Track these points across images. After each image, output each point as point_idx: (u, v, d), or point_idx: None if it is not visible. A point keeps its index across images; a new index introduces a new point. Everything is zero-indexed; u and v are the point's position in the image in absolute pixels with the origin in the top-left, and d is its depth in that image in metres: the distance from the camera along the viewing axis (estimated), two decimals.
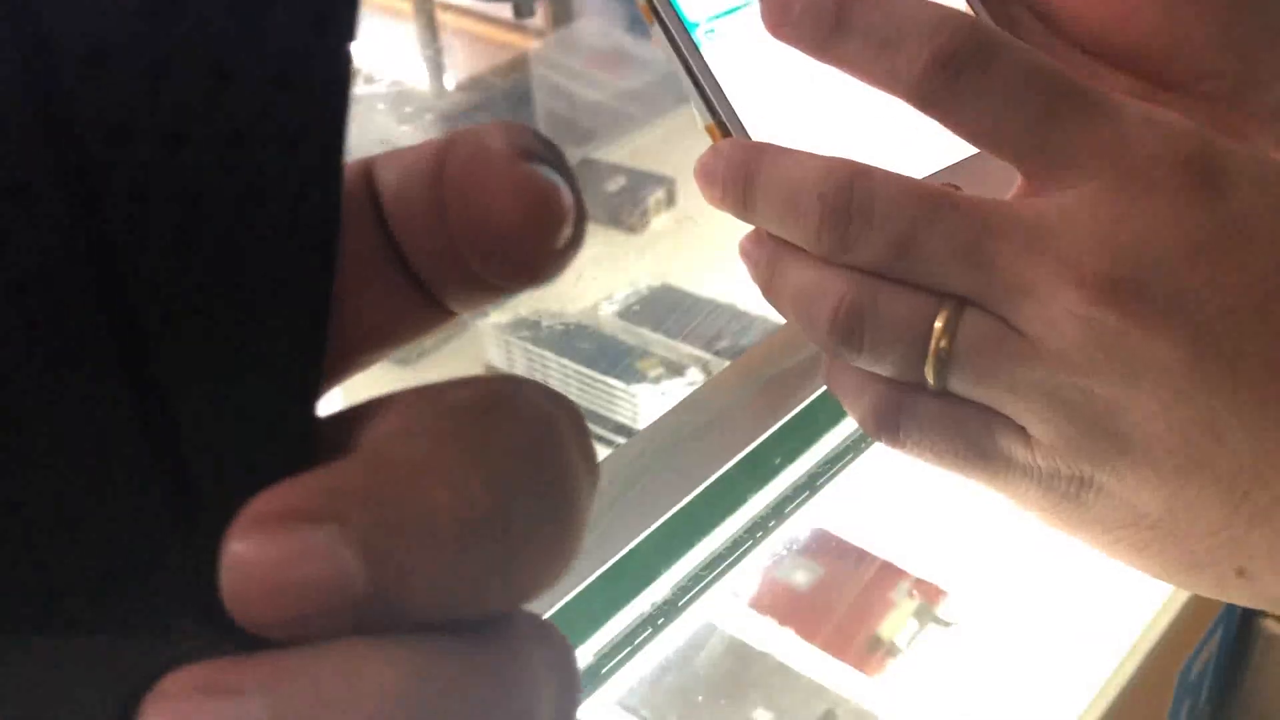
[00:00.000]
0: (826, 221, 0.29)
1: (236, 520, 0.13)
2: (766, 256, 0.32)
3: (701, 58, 0.36)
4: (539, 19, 1.44)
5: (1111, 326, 0.27)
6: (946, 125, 0.30)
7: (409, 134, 1.27)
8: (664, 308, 0.98)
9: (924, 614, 0.79)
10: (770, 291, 0.32)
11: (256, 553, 0.12)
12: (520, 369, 0.89)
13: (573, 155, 1.17)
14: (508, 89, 1.32)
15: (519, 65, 1.36)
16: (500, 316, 0.92)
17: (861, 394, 0.31)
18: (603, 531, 0.33)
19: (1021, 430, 0.29)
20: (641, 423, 0.85)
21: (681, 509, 0.34)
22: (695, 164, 0.34)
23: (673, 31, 0.36)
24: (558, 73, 1.34)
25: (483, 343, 0.91)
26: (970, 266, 0.28)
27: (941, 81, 0.29)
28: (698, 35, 0.36)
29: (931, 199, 0.29)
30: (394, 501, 0.13)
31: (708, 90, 0.36)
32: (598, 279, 1.04)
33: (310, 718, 0.12)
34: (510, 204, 0.15)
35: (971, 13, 0.37)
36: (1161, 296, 0.27)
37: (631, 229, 1.09)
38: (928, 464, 0.31)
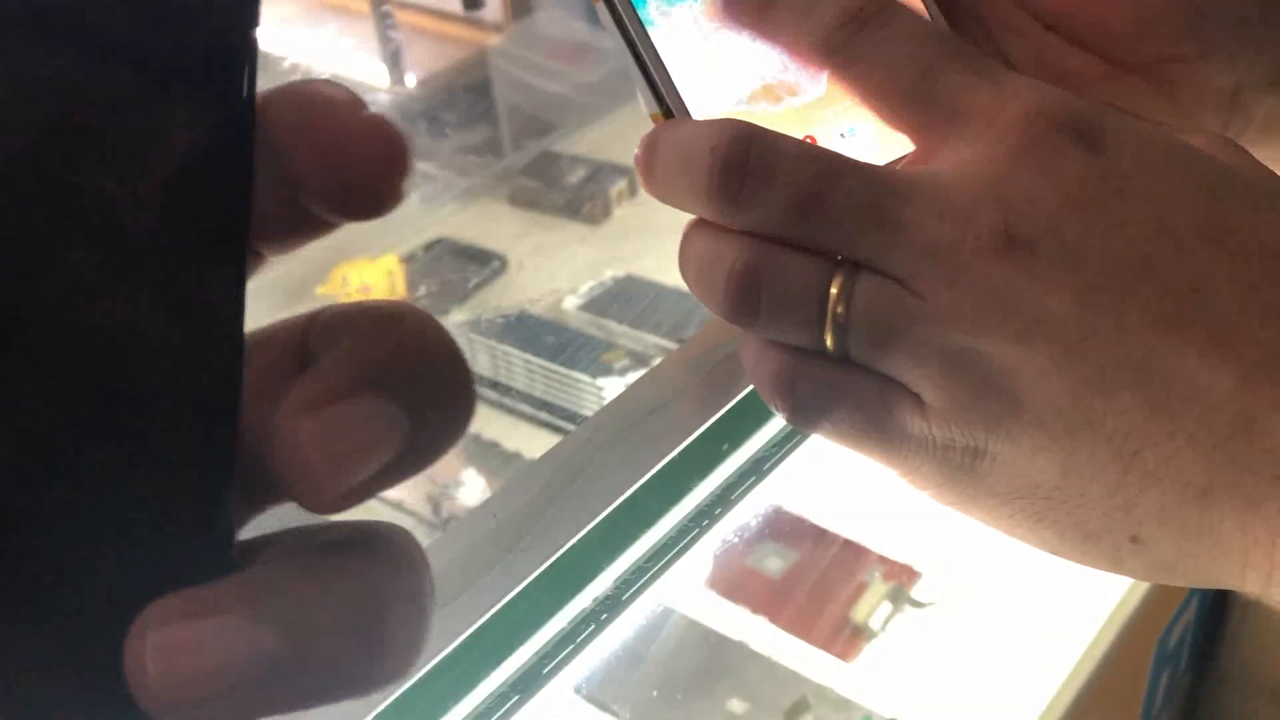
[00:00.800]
0: (717, 177, 0.29)
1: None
2: (683, 237, 0.32)
3: (650, 41, 0.35)
4: (497, 13, 1.44)
5: (1004, 281, 0.27)
6: (846, 82, 0.31)
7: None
8: (628, 298, 0.97)
9: (898, 595, 0.78)
10: (680, 267, 0.32)
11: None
12: (484, 367, 0.89)
13: (532, 148, 1.16)
14: (468, 84, 1.31)
15: (478, 60, 1.35)
16: (461, 314, 0.91)
17: (761, 362, 0.31)
18: (549, 522, 0.33)
19: (917, 399, 0.29)
20: None
21: (626, 499, 0.34)
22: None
23: (620, 12, 0.35)
24: (517, 66, 1.33)
25: None
26: (870, 227, 0.28)
27: (845, 35, 0.30)
28: (647, 14, 0.35)
29: (831, 159, 0.29)
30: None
31: (655, 76, 0.35)
32: (561, 272, 1.04)
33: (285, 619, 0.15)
34: (367, 145, 0.16)
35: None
36: (1049, 251, 0.27)
37: (594, 220, 1.09)
38: (826, 438, 0.31)
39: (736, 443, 0.36)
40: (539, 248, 1.08)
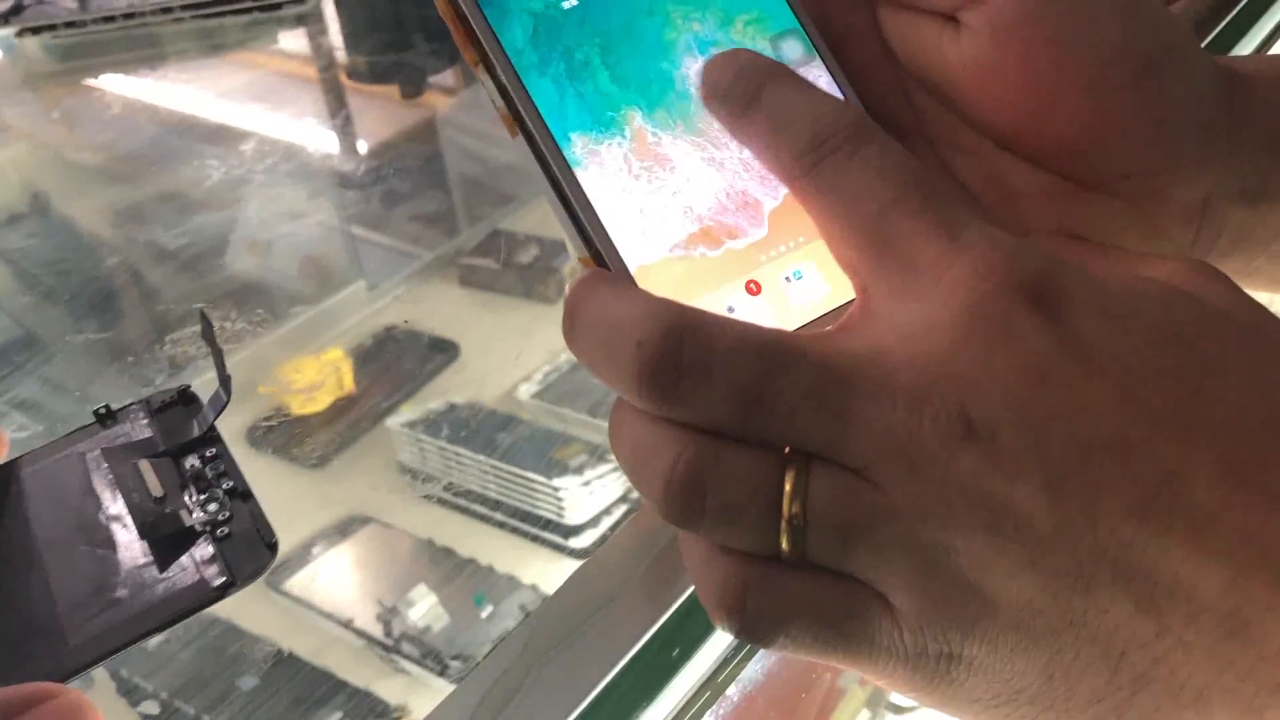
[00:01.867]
0: (644, 376, 0.27)
1: None
2: (612, 416, 0.29)
3: (576, 183, 0.32)
4: (448, 76, 1.41)
5: (968, 470, 0.25)
6: (807, 208, 0.30)
7: (319, 205, 1.23)
8: (585, 382, 0.94)
9: (877, 701, 0.75)
10: (613, 448, 0.29)
11: None
12: (436, 468, 0.85)
13: (483, 226, 1.13)
14: (418, 153, 1.28)
15: (428, 128, 1.32)
16: (411, 412, 0.88)
17: (707, 570, 0.28)
18: None
19: (884, 603, 0.26)
20: (568, 517, 0.81)
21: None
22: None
23: (543, 150, 0.32)
24: (468, 135, 1.30)
25: (393, 442, 0.86)
26: (821, 418, 0.26)
27: (812, 160, 0.29)
28: (572, 153, 0.32)
29: (773, 349, 0.27)
30: None
31: (583, 220, 0.32)
32: (516, 358, 1.00)
33: None
34: None
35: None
36: (1010, 436, 0.25)
37: (548, 299, 1.05)
38: (783, 651, 0.28)
39: (689, 649, 0.33)
40: (492, 331, 1.04)
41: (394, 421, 0.86)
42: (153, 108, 1.26)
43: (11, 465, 0.32)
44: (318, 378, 0.92)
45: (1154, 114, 0.32)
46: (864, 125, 0.29)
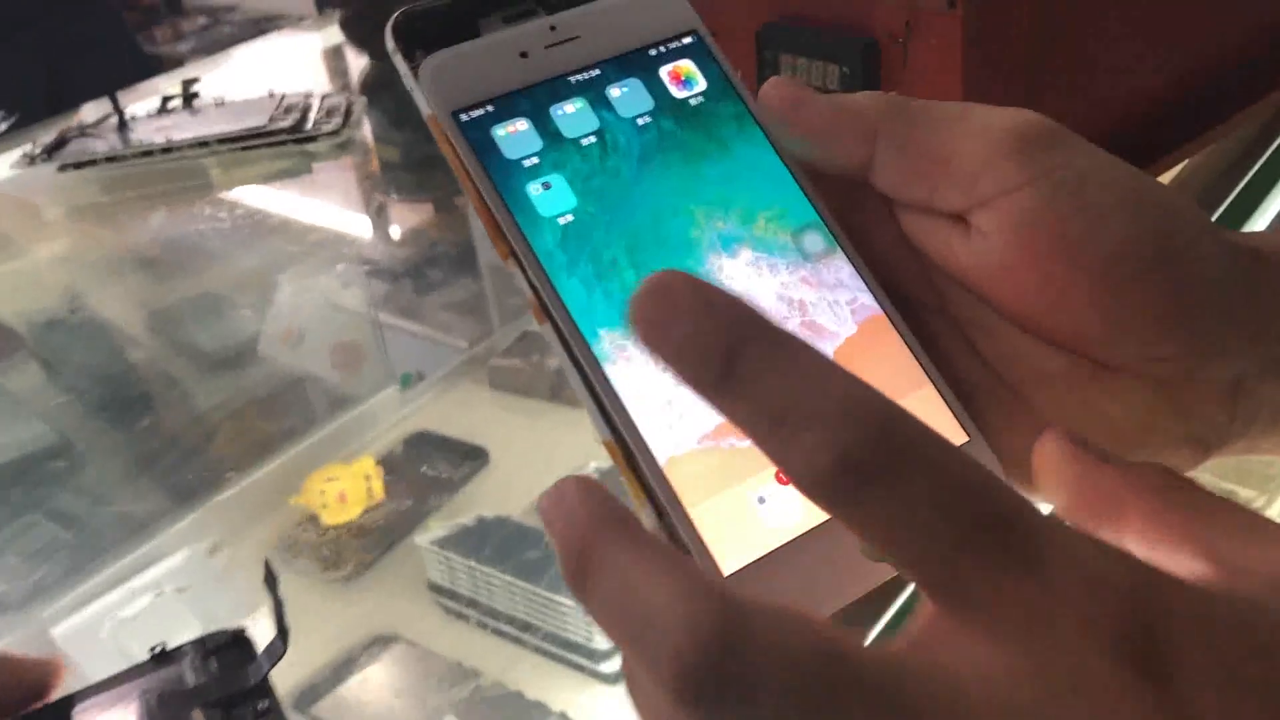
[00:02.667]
0: (678, 683, 0.23)
1: None
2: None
3: (603, 374, 0.32)
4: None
5: None
6: (849, 528, 0.25)
7: (353, 296, 1.24)
8: (614, 490, 0.94)
9: None
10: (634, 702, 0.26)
11: None
12: (464, 585, 0.85)
13: (515, 327, 1.14)
14: (451, 242, 1.29)
15: (461, 218, 1.33)
16: (440, 528, 0.88)
17: None
18: None
19: None
20: (597, 641, 0.81)
21: None
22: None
23: (570, 344, 0.32)
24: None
25: (422, 560, 0.87)
26: None
27: (845, 488, 0.24)
28: (601, 348, 0.32)
29: (831, 664, 0.23)
30: None
31: (609, 409, 0.32)
32: (544, 463, 1.01)
33: None
34: None
35: (863, 274, 0.34)
36: None
37: (577, 403, 1.06)
38: None
39: None
40: (521, 436, 1.05)
41: (423, 539, 0.87)
42: (188, 223, 1.27)
43: (65, 703, 0.33)
44: (348, 487, 0.93)
45: (1170, 303, 0.31)
46: (899, 435, 0.24)
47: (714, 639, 0.23)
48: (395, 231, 1.38)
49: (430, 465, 0.98)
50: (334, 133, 1.34)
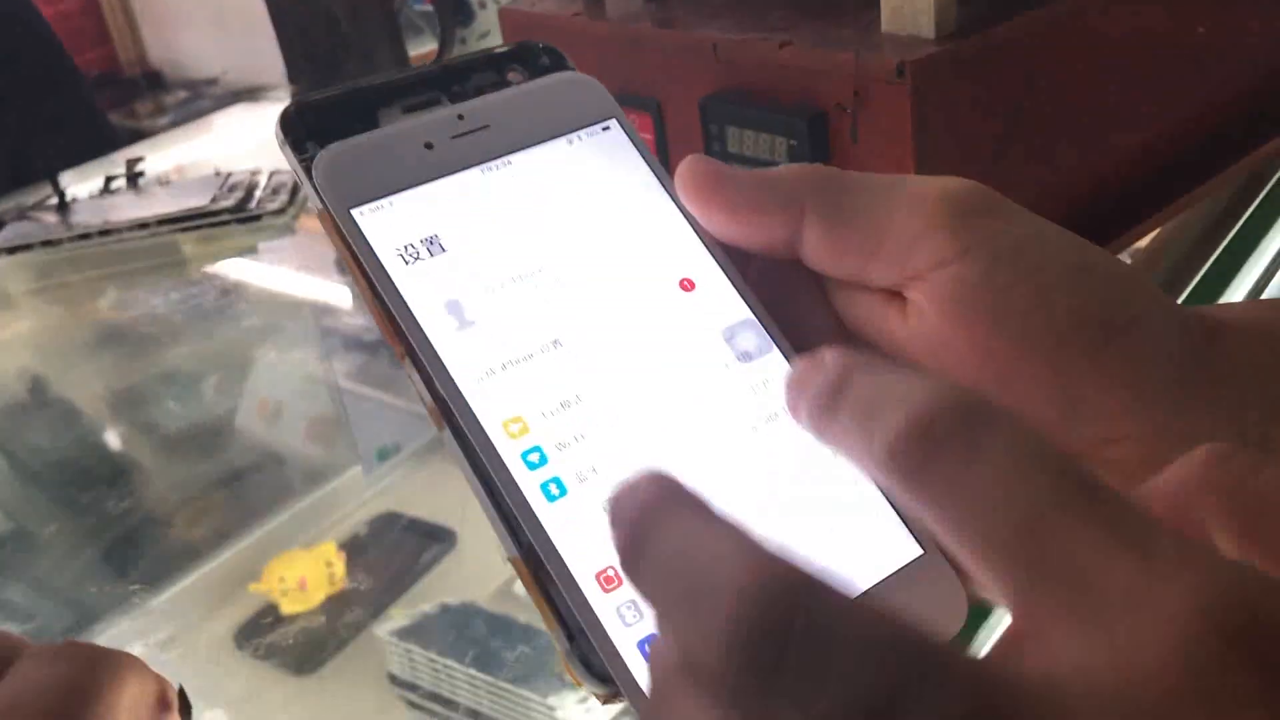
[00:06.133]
0: (740, 643, 0.20)
1: None
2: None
3: (511, 478, 0.31)
4: None
5: None
6: (925, 514, 0.23)
7: (334, 371, 1.22)
8: None
9: None
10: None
11: None
12: (426, 679, 0.82)
13: None
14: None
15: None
16: (402, 617, 0.85)
17: None
18: None
19: None
20: None
21: None
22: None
23: (471, 446, 0.31)
24: None
25: (383, 651, 0.84)
26: None
27: (917, 457, 0.22)
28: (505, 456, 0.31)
29: (910, 650, 0.20)
30: None
31: (517, 517, 0.31)
32: None
33: None
34: None
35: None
36: None
37: None
38: None
39: None
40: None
41: (383, 629, 0.84)
42: (130, 310, 1.26)
43: None
44: (308, 572, 0.90)
45: (1119, 380, 0.30)
46: (973, 404, 0.23)
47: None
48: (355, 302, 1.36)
49: (395, 548, 0.96)
50: (279, 211, 1.31)
